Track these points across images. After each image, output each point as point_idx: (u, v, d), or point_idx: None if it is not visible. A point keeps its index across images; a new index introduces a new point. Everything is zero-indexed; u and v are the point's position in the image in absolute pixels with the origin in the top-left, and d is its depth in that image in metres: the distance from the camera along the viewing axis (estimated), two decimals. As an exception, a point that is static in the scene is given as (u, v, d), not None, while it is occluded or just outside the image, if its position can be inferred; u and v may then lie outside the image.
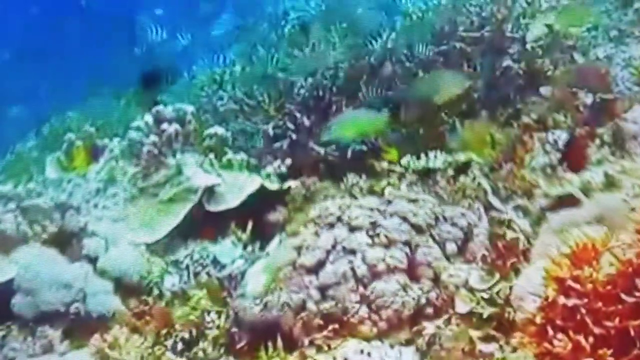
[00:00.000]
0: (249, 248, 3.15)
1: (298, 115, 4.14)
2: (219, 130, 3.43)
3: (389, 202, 2.82)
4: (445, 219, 2.79)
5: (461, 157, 3.33)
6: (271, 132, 4.10)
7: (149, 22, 4.87)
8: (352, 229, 2.73)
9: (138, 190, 3.22)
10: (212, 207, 3.21)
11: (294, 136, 4.10)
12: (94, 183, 3.27)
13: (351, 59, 4.28)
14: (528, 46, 4.01)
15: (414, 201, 2.79)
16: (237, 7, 7.67)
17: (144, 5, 9.69)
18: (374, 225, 2.73)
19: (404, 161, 3.41)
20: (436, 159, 3.37)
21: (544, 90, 3.75)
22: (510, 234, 2.69)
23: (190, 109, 3.37)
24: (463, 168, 3.29)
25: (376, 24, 4.27)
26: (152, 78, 3.88)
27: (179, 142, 3.25)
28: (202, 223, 3.23)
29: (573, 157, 2.89)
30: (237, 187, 3.27)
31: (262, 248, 3.15)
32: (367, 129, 3.43)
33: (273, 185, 3.39)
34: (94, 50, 9.31)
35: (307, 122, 4.12)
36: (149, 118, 3.31)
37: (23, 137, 4.92)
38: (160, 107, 3.31)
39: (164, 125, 3.23)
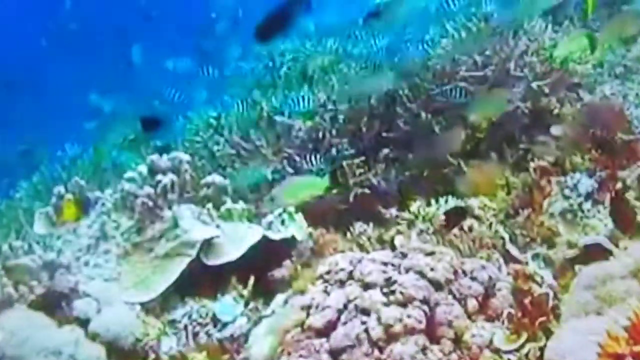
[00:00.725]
0: (252, 305, 2.86)
1: (297, 158, 3.89)
2: (217, 178, 3.15)
3: (404, 255, 2.54)
4: (464, 272, 2.51)
5: (474, 202, 3.07)
6: (270, 177, 3.84)
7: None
8: (365, 286, 2.45)
9: (132, 245, 2.93)
10: (211, 261, 2.92)
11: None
12: (85, 239, 2.97)
13: (351, 100, 4.05)
14: (534, 85, 3.79)
15: (431, 254, 2.51)
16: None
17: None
18: (388, 281, 2.44)
19: (413, 207, 3.14)
20: (447, 205, 3.11)
21: (555, 129, 3.51)
22: (536, 288, 2.42)
23: (185, 157, 3.09)
24: (476, 214, 3.03)
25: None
26: (151, 123, 3.62)
27: (175, 193, 2.96)
28: (201, 279, 2.93)
29: (623, 220, 2.60)
30: (237, 239, 2.98)
31: (266, 304, 2.86)
32: (305, 194, 3.08)
33: (275, 235, 3.11)
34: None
35: (306, 166, 3.86)
36: (143, 168, 3.03)
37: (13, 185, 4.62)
38: (154, 157, 3.04)
39: (159, 176, 2.95)
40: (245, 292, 2.90)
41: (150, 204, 2.90)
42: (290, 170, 3.83)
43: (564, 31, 4.02)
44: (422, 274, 2.44)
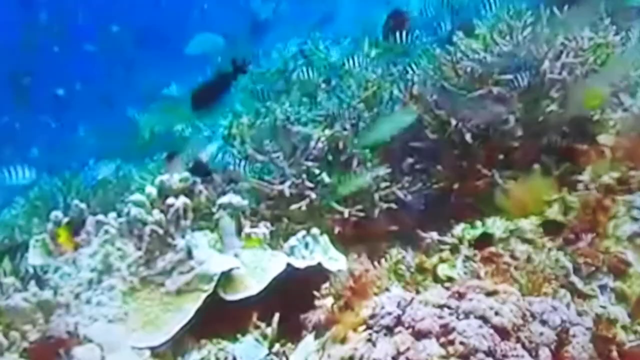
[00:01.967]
0: (277, 348, 2.38)
1: (317, 171, 3.40)
2: (234, 198, 2.66)
3: (461, 295, 2.06)
4: (532, 315, 2.03)
5: (524, 224, 2.59)
6: (287, 192, 3.35)
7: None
8: (418, 335, 1.97)
9: (140, 280, 2.43)
10: (230, 296, 2.43)
11: (313, 195, 3.36)
12: (86, 272, 2.47)
13: (372, 108, 3.56)
14: (574, 88, 3.30)
15: (494, 293, 2.03)
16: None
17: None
18: (445, 329, 1.97)
19: (457, 230, 2.66)
20: (495, 226, 2.63)
21: (604, 138, 3.03)
22: (621, 336, 1.94)
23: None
24: (529, 238, 2.55)
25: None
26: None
27: (188, 219, 2.47)
28: (219, 317, 2.45)
29: None
30: (259, 269, 2.50)
31: (293, 346, 2.38)
32: None
33: (300, 263, 2.63)
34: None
35: (327, 179, 3.38)
36: (151, 190, 2.54)
37: (9, 202, 4.10)
38: (164, 177, 2.54)
39: (170, 200, 2.46)
40: (269, 332, 2.42)
41: (161, 232, 2.41)
42: (309, 184, 3.34)
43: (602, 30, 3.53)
44: (485, 320, 1.96)
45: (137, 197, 2.51)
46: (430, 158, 3.45)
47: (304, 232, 2.80)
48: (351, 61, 3.85)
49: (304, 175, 3.36)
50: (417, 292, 2.24)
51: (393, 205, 3.33)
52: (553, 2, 3.55)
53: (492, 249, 2.49)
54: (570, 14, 3.45)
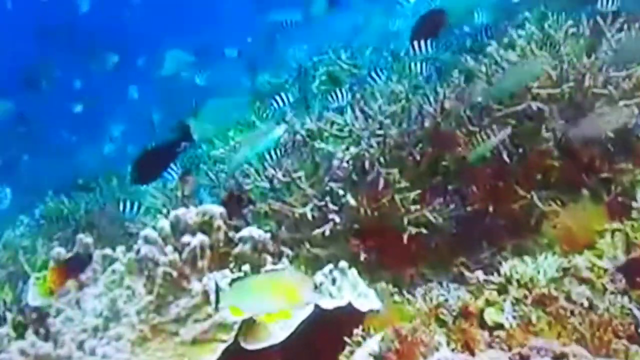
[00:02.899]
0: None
1: (341, 192, 3.06)
2: (255, 231, 2.30)
3: (523, 358, 1.72)
4: (608, 385, 1.69)
5: (579, 261, 2.23)
6: (309, 215, 3.00)
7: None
8: (477, 408, 1.63)
9: (151, 328, 2.08)
10: (252, 345, 2.09)
11: (337, 219, 3.01)
12: (91, 317, 2.14)
13: (401, 123, 3.20)
14: (620, 104, 2.95)
15: (562, 357, 1.68)
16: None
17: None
18: (509, 402, 1.63)
19: (505, 268, 2.30)
20: (546, 263, 2.27)
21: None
22: None
23: (218, 210, 2.24)
24: (586, 277, 2.20)
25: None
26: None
27: (205, 259, 2.12)
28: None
29: None
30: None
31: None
32: None
33: (329, 303, 2.28)
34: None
35: (352, 202, 3.03)
36: (164, 224, 2.19)
37: (13, 221, 3.76)
38: (180, 212, 2.19)
39: (186, 237, 2.11)
40: (295, 384, 2.08)
41: (174, 274, 2.07)
42: (333, 207, 2.99)
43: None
44: (555, 392, 1.62)
45: (148, 232, 2.17)
46: (463, 177, 3.09)
47: (330, 266, 2.44)
48: (375, 73, 3.51)
49: (327, 197, 3.01)
50: (470, 350, 1.88)
51: (423, 230, 2.97)
52: (596, 12, 3.20)
53: (545, 290, 2.14)
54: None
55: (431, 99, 3.19)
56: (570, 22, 3.16)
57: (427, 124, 3.15)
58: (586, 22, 3.20)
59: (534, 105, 2.98)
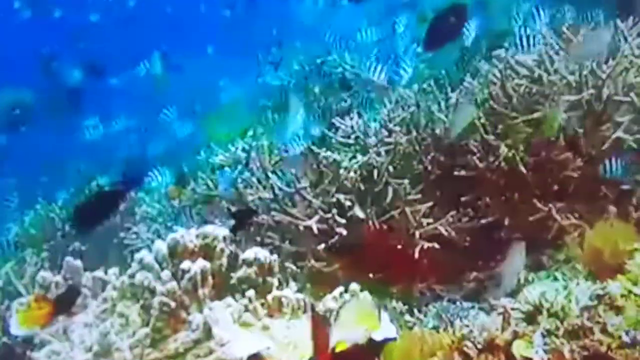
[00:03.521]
0: None
1: (349, 204, 2.82)
2: (260, 253, 2.06)
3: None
4: None
5: (613, 288, 2.00)
6: (315, 228, 2.77)
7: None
8: None
9: (147, 364, 1.84)
10: (260, 380, 1.85)
11: (344, 232, 2.77)
12: (80, 351, 1.88)
13: (410, 130, 2.97)
14: (644, 112, 2.72)
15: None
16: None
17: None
18: None
19: (532, 295, 2.06)
20: (578, 289, 2.03)
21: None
22: None
23: (222, 232, 1.99)
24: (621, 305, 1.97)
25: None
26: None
27: (206, 287, 1.88)
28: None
29: None
30: (292, 346, 1.91)
31: None
32: None
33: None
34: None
35: (361, 214, 2.80)
36: (161, 246, 1.94)
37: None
38: (178, 235, 1.94)
39: (185, 264, 1.87)
40: None
41: (172, 305, 1.82)
42: (341, 220, 2.76)
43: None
44: None
45: (143, 255, 1.92)
46: (477, 189, 2.86)
47: (341, 289, 2.21)
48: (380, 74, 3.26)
49: (334, 210, 2.77)
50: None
51: (435, 245, 2.74)
52: (615, 15, 2.96)
53: (578, 321, 1.91)
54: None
55: (442, 104, 2.96)
56: (588, 24, 2.92)
57: (438, 131, 2.92)
58: (604, 24, 2.97)
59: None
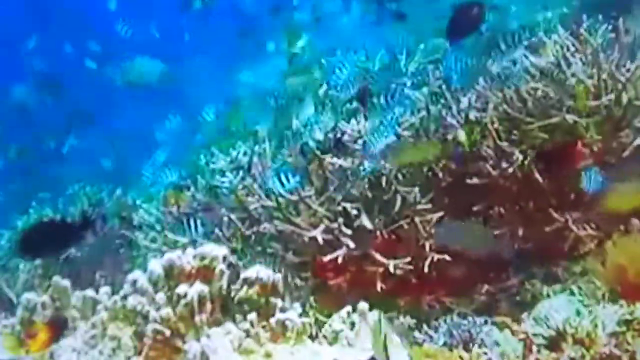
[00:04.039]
0: None
1: (355, 212, 2.64)
2: (263, 272, 1.88)
3: None
4: None
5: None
6: (320, 239, 2.59)
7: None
8: None
9: (139, 397, 1.67)
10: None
11: (351, 244, 2.60)
12: (68, 381, 1.72)
13: (420, 136, 2.78)
14: (666, 118, 2.55)
15: None
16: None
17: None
18: None
19: (557, 320, 1.89)
20: (605, 314, 1.86)
21: None
22: None
23: (222, 252, 1.81)
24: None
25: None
26: None
27: (204, 313, 1.71)
28: None
29: None
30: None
31: None
32: None
33: (349, 357, 1.87)
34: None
35: (368, 224, 2.62)
36: (156, 267, 1.77)
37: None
38: (174, 255, 1.77)
39: (181, 288, 1.69)
40: None
41: (167, 333, 1.65)
42: (347, 231, 2.58)
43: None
44: None
45: (137, 276, 1.74)
46: (490, 198, 2.68)
47: (349, 308, 2.03)
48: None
49: (340, 219, 2.59)
50: None
51: (447, 257, 2.57)
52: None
53: (605, 349, 1.74)
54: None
55: (454, 108, 2.78)
56: (607, 25, 2.73)
57: (449, 136, 2.74)
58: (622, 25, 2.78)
59: (569, 117, 2.57)
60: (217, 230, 2.73)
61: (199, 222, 2.75)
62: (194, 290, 1.66)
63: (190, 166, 3.15)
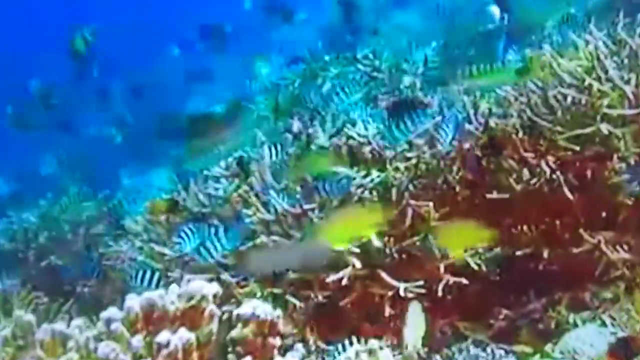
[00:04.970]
0: None
1: (361, 228, 2.31)
2: (260, 308, 1.54)
3: None
4: None
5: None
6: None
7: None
8: None
9: None
10: None
11: (357, 264, 2.27)
12: None
13: (434, 143, 2.46)
14: None
15: None
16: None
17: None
18: None
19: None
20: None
21: None
22: None
23: (212, 290, 1.45)
24: None
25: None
26: None
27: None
28: None
29: None
30: None
31: None
32: None
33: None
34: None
35: (377, 242, 2.29)
36: (134, 306, 1.43)
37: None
38: (155, 295, 1.40)
39: (162, 336, 1.36)
40: None
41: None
42: (354, 249, 2.25)
43: None
44: None
45: (111, 315, 1.41)
46: (513, 215, 2.37)
47: (358, 347, 1.71)
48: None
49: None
50: None
51: (463, 280, 2.25)
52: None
53: None
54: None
55: (471, 114, 2.45)
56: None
57: (466, 145, 2.41)
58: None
59: (604, 127, 2.25)
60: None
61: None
62: (177, 338, 1.33)
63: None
